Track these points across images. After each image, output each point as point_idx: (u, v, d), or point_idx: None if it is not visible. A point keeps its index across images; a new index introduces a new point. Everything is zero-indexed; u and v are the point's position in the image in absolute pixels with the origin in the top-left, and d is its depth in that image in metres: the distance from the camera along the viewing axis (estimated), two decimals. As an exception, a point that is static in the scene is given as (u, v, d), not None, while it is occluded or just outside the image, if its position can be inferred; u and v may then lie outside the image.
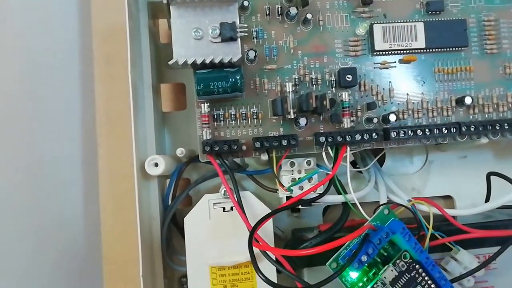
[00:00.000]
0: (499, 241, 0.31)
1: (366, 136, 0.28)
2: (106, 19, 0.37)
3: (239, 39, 0.28)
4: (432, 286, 0.27)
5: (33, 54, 0.38)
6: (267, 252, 0.27)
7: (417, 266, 0.27)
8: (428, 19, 0.30)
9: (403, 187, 0.35)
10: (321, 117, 0.30)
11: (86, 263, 0.38)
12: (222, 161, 0.29)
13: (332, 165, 0.29)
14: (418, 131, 0.29)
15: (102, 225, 0.36)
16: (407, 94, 0.31)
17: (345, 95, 0.29)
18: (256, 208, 0.30)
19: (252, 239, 0.26)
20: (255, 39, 0.30)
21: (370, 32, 0.30)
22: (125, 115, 0.29)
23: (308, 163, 0.30)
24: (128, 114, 0.29)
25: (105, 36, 0.37)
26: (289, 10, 0.29)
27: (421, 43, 0.30)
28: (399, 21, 0.30)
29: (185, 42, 0.27)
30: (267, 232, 0.30)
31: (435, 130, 0.29)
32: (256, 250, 0.27)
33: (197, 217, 0.30)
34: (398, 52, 0.30)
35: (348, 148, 0.29)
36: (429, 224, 0.29)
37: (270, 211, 0.29)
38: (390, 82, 0.30)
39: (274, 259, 0.27)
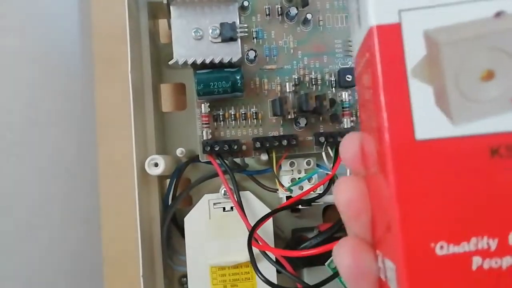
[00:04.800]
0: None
1: (366, 136, 0.28)
2: (106, 19, 0.37)
3: (239, 39, 0.28)
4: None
5: (33, 54, 0.38)
6: (267, 252, 0.27)
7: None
8: (428, 19, 0.30)
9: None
10: (321, 117, 0.30)
11: (86, 263, 0.38)
12: (222, 161, 0.29)
13: (332, 165, 0.29)
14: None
15: (102, 225, 0.36)
16: (407, 94, 0.31)
17: (345, 95, 0.29)
18: (256, 208, 0.30)
19: (252, 239, 0.26)
20: (255, 39, 0.30)
21: (370, 32, 0.30)
22: (125, 115, 0.29)
23: (308, 163, 0.30)
24: (128, 114, 0.29)
25: (105, 36, 0.37)
26: (289, 10, 0.29)
27: (421, 43, 0.30)
28: (399, 21, 0.30)
29: (185, 42, 0.27)
30: (267, 232, 0.30)
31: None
32: (256, 250, 0.27)
33: (197, 217, 0.30)
34: (398, 52, 0.30)
35: (348, 148, 0.29)
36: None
37: (270, 211, 0.29)
38: (390, 82, 0.30)
39: (274, 259, 0.27)
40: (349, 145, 0.17)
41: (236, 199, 0.28)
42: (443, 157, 0.13)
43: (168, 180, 0.33)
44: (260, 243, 0.27)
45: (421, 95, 0.14)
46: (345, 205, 0.16)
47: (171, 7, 0.27)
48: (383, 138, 0.14)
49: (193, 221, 0.30)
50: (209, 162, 0.29)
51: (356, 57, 0.17)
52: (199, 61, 0.27)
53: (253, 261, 0.26)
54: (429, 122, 0.14)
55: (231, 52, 0.27)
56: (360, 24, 0.16)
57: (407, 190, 0.13)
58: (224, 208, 0.31)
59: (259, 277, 0.26)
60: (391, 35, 0.14)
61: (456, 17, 0.14)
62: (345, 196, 0.16)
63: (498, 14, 0.14)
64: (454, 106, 0.14)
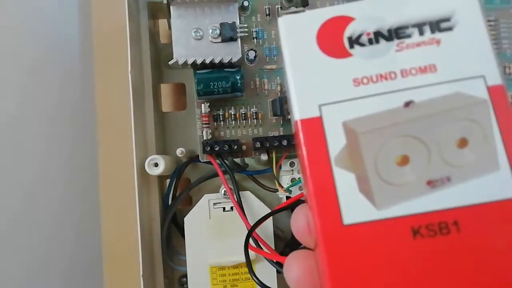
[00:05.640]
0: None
1: (366, 136, 0.28)
2: (106, 19, 0.37)
3: (239, 39, 0.28)
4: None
5: (33, 54, 0.38)
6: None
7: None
8: (428, 19, 0.30)
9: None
10: (321, 117, 0.30)
11: (86, 263, 0.38)
12: (222, 161, 0.29)
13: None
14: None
15: (102, 225, 0.36)
16: (407, 94, 0.31)
17: (345, 95, 0.29)
18: (256, 208, 0.30)
19: (248, 242, 0.26)
20: (255, 39, 0.30)
21: (370, 32, 0.30)
22: (125, 115, 0.29)
23: (308, 163, 0.30)
24: (128, 114, 0.29)
25: (105, 36, 0.37)
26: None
27: (421, 43, 0.30)
28: (399, 21, 0.30)
29: (185, 42, 0.27)
30: (267, 232, 0.30)
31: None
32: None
33: (197, 217, 0.30)
34: (398, 52, 0.30)
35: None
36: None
37: (270, 211, 0.29)
38: (390, 82, 0.30)
39: (274, 260, 0.27)
40: (297, 218, 0.17)
41: (236, 199, 0.28)
42: (370, 239, 0.14)
43: (168, 180, 0.33)
44: (261, 245, 0.27)
45: (345, 182, 0.15)
46: (295, 283, 0.17)
47: (171, 7, 0.27)
48: (315, 222, 0.15)
49: (193, 221, 0.30)
50: (209, 162, 0.29)
51: (294, 134, 0.18)
52: (199, 61, 0.27)
53: (248, 265, 0.26)
54: (355, 208, 0.15)
55: (231, 52, 0.27)
56: (290, 113, 0.17)
57: (338, 270, 0.14)
58: (224, 208, 0.31)
59: (254, 280, 0.26)
60: (313, 127, 0.15)
61: (371, 108, 0.15)
62: (294, 274, 0.17)
63: (407, 104, 0.15)
64: (376, 192, 0.15)
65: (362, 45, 0.16)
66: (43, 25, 0.39)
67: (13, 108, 0.38)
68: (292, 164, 0.30)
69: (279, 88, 0.30)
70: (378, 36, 0.16)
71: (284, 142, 0.28)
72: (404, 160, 0.15)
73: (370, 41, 0.16)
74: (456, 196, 0.15)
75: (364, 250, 0.14)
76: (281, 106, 0.28)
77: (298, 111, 0.16)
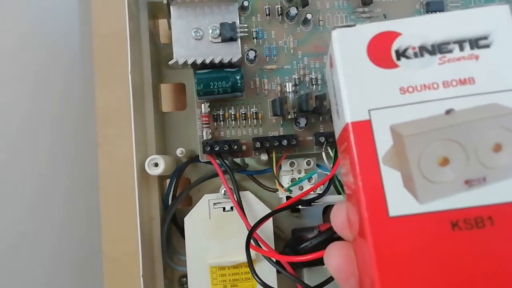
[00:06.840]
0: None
1: (366, 136, 0.28)
2: (106, 20, 0.37)
3: (239, 39, 0.28)
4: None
5: (33, 54, 0.38)
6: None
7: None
8: (428, 19, 0.30)
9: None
10: (321, 117, 0.30)
11: (86, 263, 0.38)
12: (222, 161, 0.29)
13: (332, 165, 0.29)
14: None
15: (102, 225, 0.36)
16: (407, 94, 0.31)
17: (345, 95, 0.29)
18: (256, 208, 0.30)
19: (250, 241, 0.26)
20: (255, 39, 0.30)
21: (370, 32, 0.30)
22: (125, 115, 0.29)
23: (308, 163, 0.30)
24: (128, 114, 0.29)
25: (106, 36, 0.37)
26: (289, 10, 0.29)
27: (421, 43, 0.30)
28: (399, 21, 0.30)
29: (185, 42, 0.27)
30: (267, 232, 0.30)
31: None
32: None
33: (197, 217, 0.30)
34: (398, 52, 0.30)
35: (348, 148, 0.29)
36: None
37: (270, 211, 0.29)
38: (390, 82, 0.30)
39: (274, 260, 0.27)
40: (338, 213, 0.19)
41: (236, 199, 0.28)
42: (413, 230, 0.16)
43: (168, 180, 0.33)
44: (261, 245, 0.27)
45: (391, 179, 0.16)
46: (335, 270, 0.18)
47: (171, 7, 0.27)
48: (363, 215, 0.16)
49: (193, 221, 0.30)
50: (209, 162, 0.29)
51: (338, 140, 0.20)
52: (199, 61, 0.27)
53: (250, 264, 0.26)
54: (399, 202, 0.16)
55: (231, 52, 0.27)
56: (339, 117, 0.19)
57: (384, 259, 0.16)
58: (224, 208, 0.31)
59: (256, 279, 0.26)
60: (363, 129, 0.17)
61: (415, 114, 0.17)
62: (335, 262, 0.19)
63: (448, 112, 0.17)
64: (419, 188, 0.16)
65: (408, 57, 0.18)
66: (43, 25, 0.39)
67: (12, 108, 0.38)
68: (292, 164, 0.30)
69: (279, 88, 0.30)
70: (422, 50, 0.18)
71: (284, 142, 0.28)
72: (445, 161, 0.17)
73: (416, 55, 0.18)
74: (490, 195, 0.16)
75: (407, 239, 0.16)
76: (281, 106, 0.28)
77: (350, 114, 0.17)
